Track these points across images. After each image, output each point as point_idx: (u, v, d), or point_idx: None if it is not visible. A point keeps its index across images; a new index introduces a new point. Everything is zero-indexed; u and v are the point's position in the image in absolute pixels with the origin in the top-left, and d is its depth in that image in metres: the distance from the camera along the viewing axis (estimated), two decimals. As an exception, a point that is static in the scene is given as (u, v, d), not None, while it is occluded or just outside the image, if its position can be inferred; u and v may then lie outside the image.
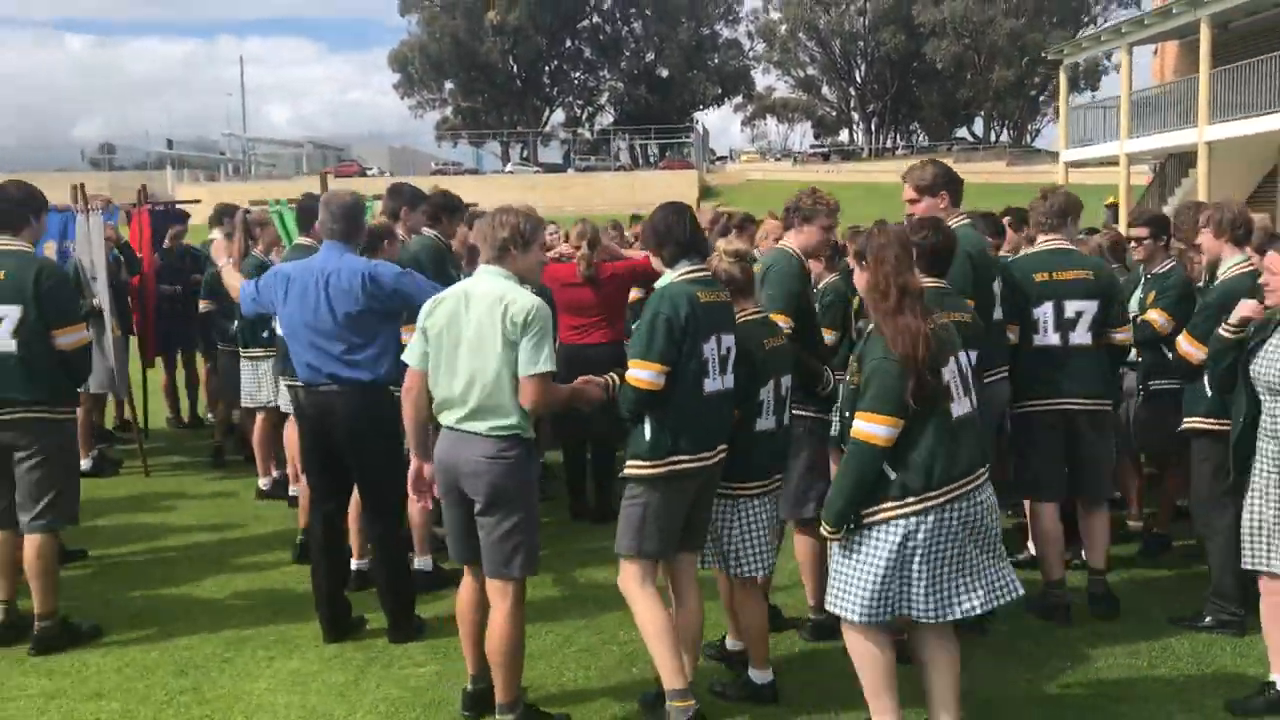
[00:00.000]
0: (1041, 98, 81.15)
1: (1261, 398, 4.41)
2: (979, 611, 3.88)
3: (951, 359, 3.91)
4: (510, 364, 4.16)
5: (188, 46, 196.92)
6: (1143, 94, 26.42)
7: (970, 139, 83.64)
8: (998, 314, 5.42)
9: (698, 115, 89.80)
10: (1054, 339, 5.45)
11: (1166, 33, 25.35)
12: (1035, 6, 75.14)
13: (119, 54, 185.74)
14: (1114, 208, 40.72)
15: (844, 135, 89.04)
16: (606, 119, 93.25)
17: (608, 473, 7.35)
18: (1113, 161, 30.30)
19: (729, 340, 4.36)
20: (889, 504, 3.79)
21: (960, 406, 3.91)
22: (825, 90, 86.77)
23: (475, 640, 4.51)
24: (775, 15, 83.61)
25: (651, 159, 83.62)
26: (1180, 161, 26.97)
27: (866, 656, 3.94)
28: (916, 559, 3.79)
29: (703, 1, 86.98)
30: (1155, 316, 6.19)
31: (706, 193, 68.82)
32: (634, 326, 4.64)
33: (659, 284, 4.39)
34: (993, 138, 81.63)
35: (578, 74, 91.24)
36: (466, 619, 4.52)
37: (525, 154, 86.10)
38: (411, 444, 4.49)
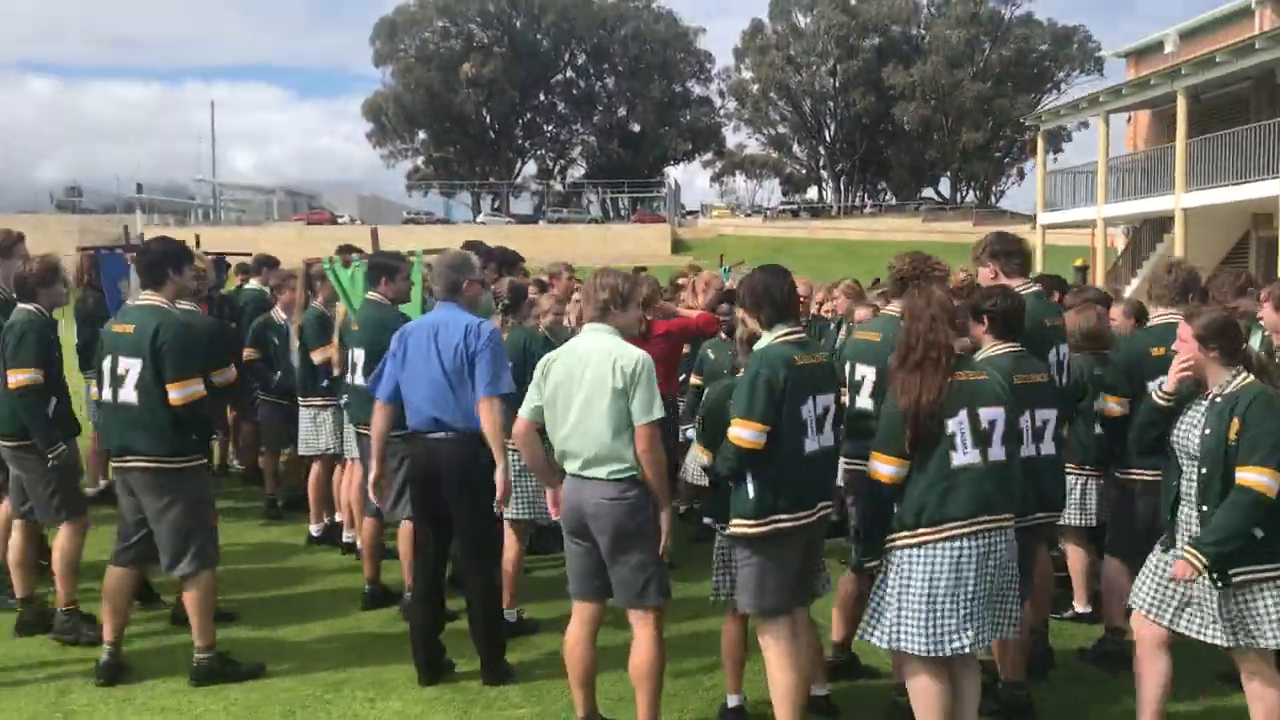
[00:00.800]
0: (1006, 160, 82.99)
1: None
2: (967, 650, 4.25)
3: (964, 412, 4.27)
4: (622, 413, 4.49)
5: (153, 91, 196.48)
6: (1119, 160, 27.22)
7: (937, 199, 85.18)
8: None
9: (669, 170, 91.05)
10: None
11: (1142, 102, 26.20)
12: (1001, 72, 77.11)
13: (82, 97, 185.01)
14: (1084, 269, 41.90)
15: (811, 192, 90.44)
16: (578, 172, 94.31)
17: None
18: (1085, 224, 31.16)
19: (826, 400, 4.54)
20: (894, 535, 4.33)
21: (965, 457, 4.28)
22: (795, 148, 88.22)
23: (585, 679, 4.74)
24: (747, 74, 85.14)
25: (623, 212, 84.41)
26: (1154, 226, 27.74)
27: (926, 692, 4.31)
28: (912, 589, 4.25)
29: (675, 59, 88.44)
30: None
31: (678, 246, 69.48)
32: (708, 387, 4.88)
33: (758, 345, 4.57)
34: (959, 198, 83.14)
35: (550, 127, 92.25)
36: (575, 656, 4.74)
37: (497, 205, 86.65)
38: (539, 477, 4.86)
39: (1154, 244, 27.50)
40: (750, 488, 4.40)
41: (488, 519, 5.46)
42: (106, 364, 5.45)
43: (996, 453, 4.32)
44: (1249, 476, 4.18)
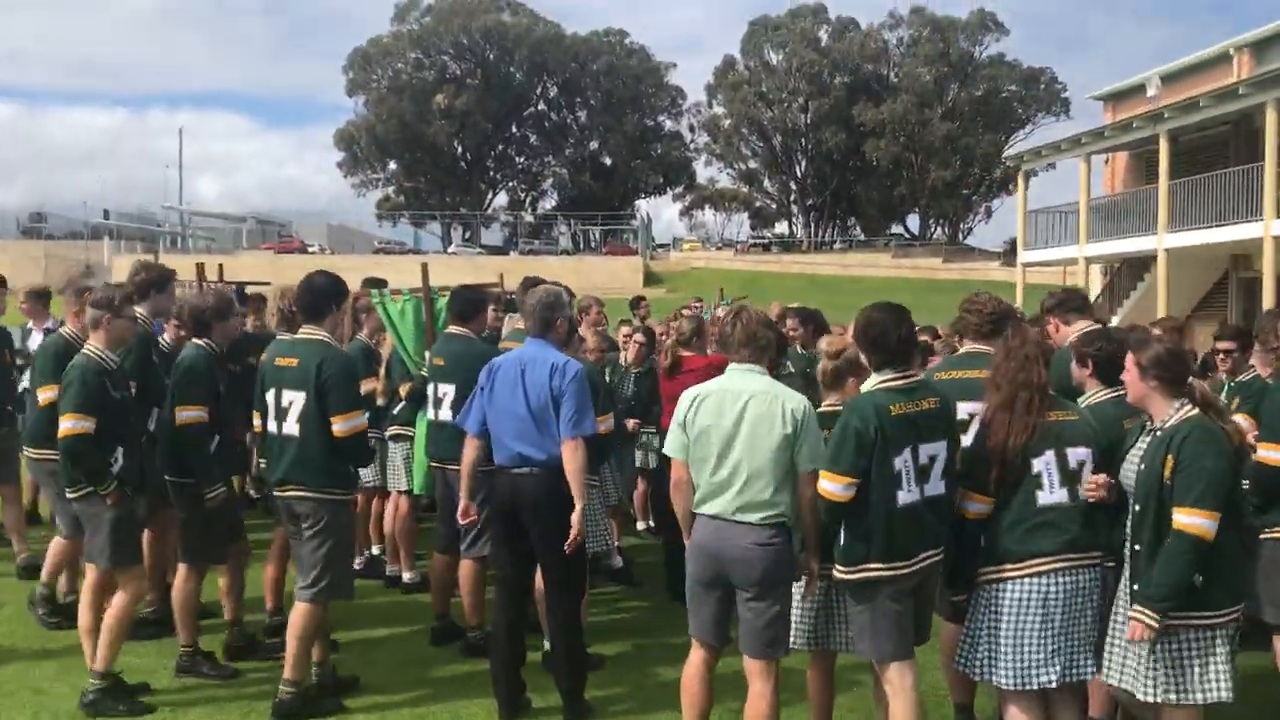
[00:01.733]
0: (974, 198, 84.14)
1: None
2: (1054, 684, 4.32)
3: (1051, 451, 4.37)
4: (786, 457, 4.44)
5: (118, 117, 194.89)
6: (1099, 200, 27.70)
7: (906, 235, 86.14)
8: None
9: (639, 203, 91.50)
10: None
11: (1123, 144, 26.71)
12: (970, 112, 78.30)
13: (45, 123, 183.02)
14: (1054, 307, 42.13)
15: (780, 227, 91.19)
16: (549, 203, 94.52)
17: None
18: (1065, 263, 31.64)
19: (932, 449, 4.40)
20: (983, 569, 4.45)
21: (1053, 495, 4.38)
22: (766, 183, 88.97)
23: (700, 714, 4.71)
24: (720, 110, 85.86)
25: (594, 244, 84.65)
26: (1132, 266, 28.21)
27: None
28: (1001, 623, 4.35)
29: (647, 94, 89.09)
30: (1239, 421, 6.65)
31: (650, 279, 69.77)
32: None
33: (864, 386, 4.56)
34: (928, 235, 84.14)
35: (522, 159, 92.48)
36: (692, 692, 4.72)
37: (467, 235, 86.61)
38: (684, 526, 4.73)
39: (1134, 283, 27.96)
40: (842, 535, 4.40)
41: (579, 557, 5.44)
42: (270, 396, 5.48)
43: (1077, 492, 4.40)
44: (1183, 519, 4.07)
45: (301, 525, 5.45)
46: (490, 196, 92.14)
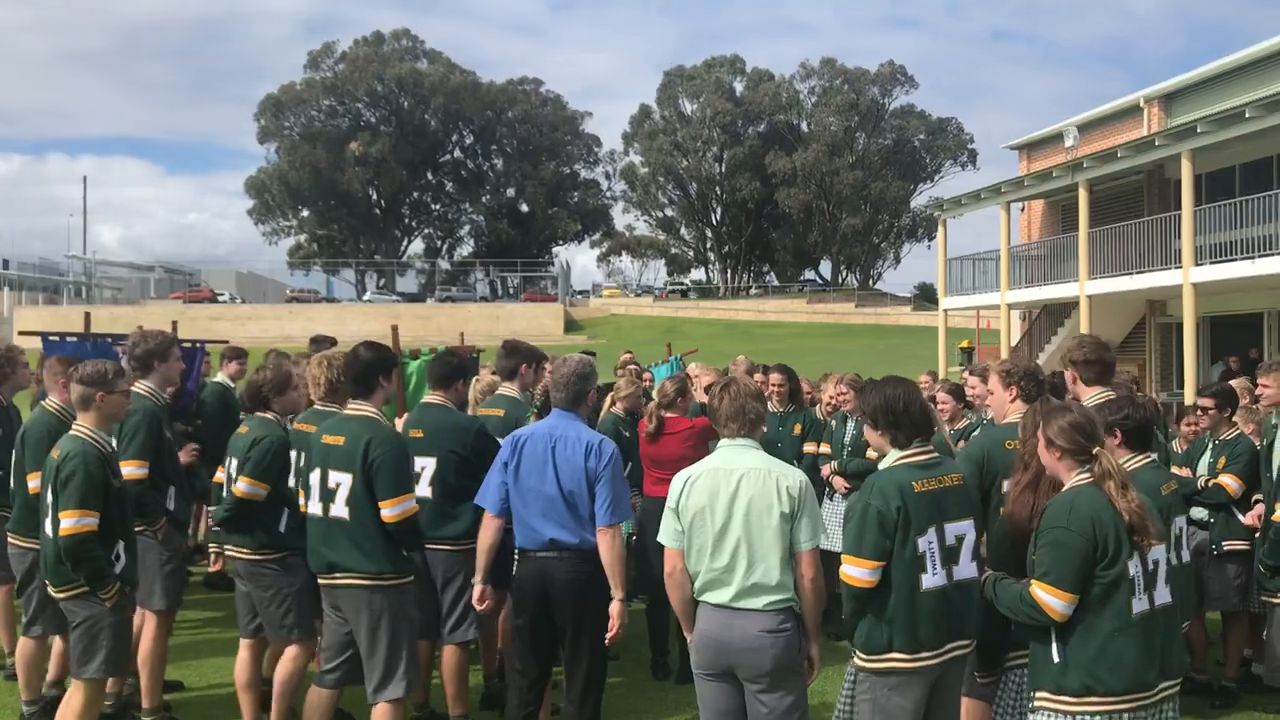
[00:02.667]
0: (883, 244, 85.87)
1: None
2: None
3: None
4: (786, 538, 4.16)
5: (14, 164, 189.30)
6: (1019, 248, 28.27)
7: (819, 281, 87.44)
8: None
9: (557, 250, 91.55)
10: None
11: (1041, 193, 27.33)
12: (879, 160, 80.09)
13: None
14: (969, 350, 43.26)
15: (696, 273, 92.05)
16: (465, 250, 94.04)
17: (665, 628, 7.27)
18: (985, 309, 32.25)
19: (959, 528, 4.11)
20: (1013, 653, 4.33)
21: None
22: (683, 231, 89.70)
23: None
24: (636, 158, 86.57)
25: (512, 290, 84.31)
26: (1050, 312, 28.80)
27: None
28: None
29: (563, 142, 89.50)
30: (1228, 481, 6.67)
31: (571, 326, 69.65)
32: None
33: (883, 464, 4.27)
34: (839, 280, 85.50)
35: (438, 206, 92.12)
36: None
37: (382, 283, 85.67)
38: (683, 620, 4.42)
39: (1054, 328, 28.50)
40: (864, 621, 4.08)
41: (603, 645, 5.02)
42: (315, 477, 5.08)
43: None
44: (1034, 589, 3.87)
45: (357, 618, 5.02)
46: (406, 244, 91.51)
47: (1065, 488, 4.04)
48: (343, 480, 5.00)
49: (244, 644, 5.79)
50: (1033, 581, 3.85)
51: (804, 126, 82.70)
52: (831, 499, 8.27)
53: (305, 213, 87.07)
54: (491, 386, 7.01)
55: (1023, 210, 30.64)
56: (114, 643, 5.06)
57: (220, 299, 74.88)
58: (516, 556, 5.18)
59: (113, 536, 5.05)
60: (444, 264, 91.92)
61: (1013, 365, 5.23)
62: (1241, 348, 22.31)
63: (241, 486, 5.53)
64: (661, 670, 7.20)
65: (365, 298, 79.54)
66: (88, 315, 9.01)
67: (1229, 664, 7.14)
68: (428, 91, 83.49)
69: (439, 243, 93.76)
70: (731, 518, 4.20)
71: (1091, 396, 5.27)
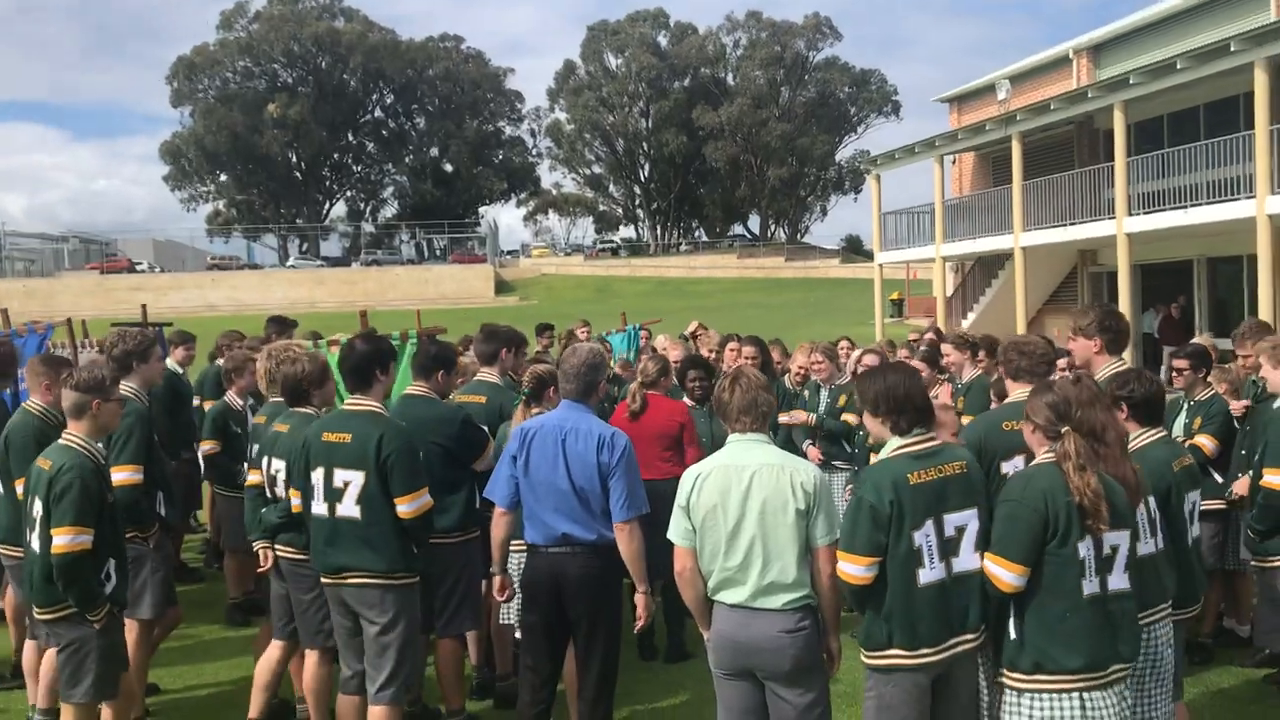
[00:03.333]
0: (810, 198, 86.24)
1: None
2: None
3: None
4: (802, 534, 4.09)
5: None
6: (953, 202, 28.52)
7: (748, 236, 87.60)
8: None
9: (484, 210, 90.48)
10: None
11: (974, 146, 27.56)
12: (805, 113, 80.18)
13: None
14: (899, 302, 43.76)
15: (624, 231, 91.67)
16: (389, 212, 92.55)
17: (679, 612, 7.20)
18: (914, 263, 32.59)
19: (960, 519, 3.95)
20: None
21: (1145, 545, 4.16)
22: (611, 188, 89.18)
23: None
24: (562, 115, 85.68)
25: (439, 252, 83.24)
26: (984, 264, 29.17)
27: None
28: None
29: (486, 99, 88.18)
30: (1204, 442, 6.75)
31: (501, 287, 69.00)
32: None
33: (881, 453, 4.16)
34: (769, 235, 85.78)
35: (360, 168, 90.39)
36: None
37: (305, 248, 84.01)
38: (699, 619, 4.33)
39: (987, 280, 28.88)
40: (865, 617, 3.99)
41: (617, 643, 4.97)
42: (318, 476, 4.91)
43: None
44: (985, 561, 3.94)
45: (368, 617, 4.92)
46: (328, 207, 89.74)
47: (1032, 462, 4.09)
48: (352, 479, 4.86)
49: (276, 644, 5.66)
50: (985, 554, 3.92)
51: (730, 80, 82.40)
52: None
53: (223, 177, 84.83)
54: (466, 370, 6.82)
55: (954, 163, 30.90)
56: (102, 666, 4.83)
57: (139, 269, 72.78)
58: (525, 551, 5.07)
59: (104, 554, 4.81)
60: (368, 227, 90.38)
61: (1092, 316, 5.29)
62: (1169, 295, 22.81)
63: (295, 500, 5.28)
64: (649, 651, 7.13)
65: (289, 263, 77.90)
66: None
67: (1206, 621, 7.26)
68: (346, 50, 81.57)
69: (362, 205, 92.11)
70: (745, 516, 4.11)
71: (1106, 367, 5.23)
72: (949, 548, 3.92)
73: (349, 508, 4.88)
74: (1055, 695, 3.80)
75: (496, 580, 5.12)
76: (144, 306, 7.97)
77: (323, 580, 5.04)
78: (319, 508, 4.97)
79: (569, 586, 4.85)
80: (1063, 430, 3.96)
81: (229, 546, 8.02)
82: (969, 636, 3.95)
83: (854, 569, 3.90)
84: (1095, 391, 4.31)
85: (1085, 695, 3.80)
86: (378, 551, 4.88)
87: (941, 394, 7.39)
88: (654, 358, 7.21)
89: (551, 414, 5.07)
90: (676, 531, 4.25)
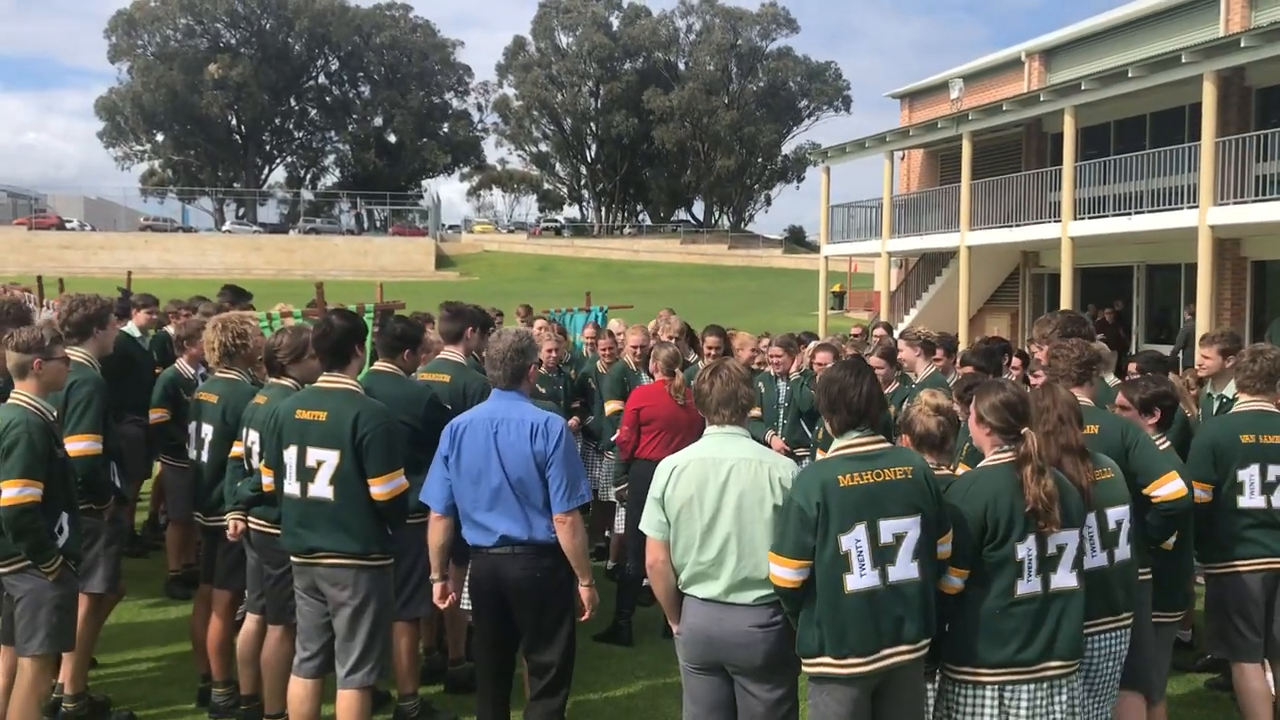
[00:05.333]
0: (755, 186, 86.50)
1: None
2: None
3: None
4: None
5: None
6: (900, 198, 28.72)
7: (692, 221, 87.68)
8: None
9: (427, 183, 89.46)
10: (1259, 501, 5.32)
11: (924, 144, 27.76)
12: (755, 101, 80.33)
13: None
14: (840, 294, 44.06)
15: (569, 210, 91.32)
16: (330, 180, 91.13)
17: (633, 590, 7.15)
18: (858, 256, 32.84)
19: (898, 525, 3.80)
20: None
21: (1095, 559, 4.18)
22: (557, 167, 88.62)
23: None
24: (510, 91, 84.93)
25: (379, 224, 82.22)
26: (928, 261, 29.44)
27: None
28: None
29: (433, 70, 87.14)
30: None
31: (442, 261, 68.40)
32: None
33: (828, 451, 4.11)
34: (713, 221, 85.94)
35: (302, 133, 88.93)
36: None
37: (242, 213, 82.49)
38: (669, 613, 4.27)
39: (930, 277, 29.16)
40: (800, 620, 3.90)
41: (569, 642, 4.75)
42: (290, 455, 4.79)
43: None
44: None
45: (339, 598, 4.79)
46: (267, 172, 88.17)
47: (981, 463, 4.11)
48: (326, 458, 4.74)
49: (251, 618, 5.54)
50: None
51: (681, 65, 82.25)
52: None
53: (160, 137, 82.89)
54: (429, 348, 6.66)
55: (903, 159, 31.10)
56: (57, 617, 4.82)
57: (69, 226, 70.98)
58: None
59: (55, 509, 4.80)
60: (308, 194, 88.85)
61: (1054, 323, 5.30)
62: (1108, 299, 23.20)
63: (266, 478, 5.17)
64: (625, 635, 7.04)
65: (224, 228, 76.48)
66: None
67: (1184, 620, 7.37)
68: (291, 14, 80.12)
69: (302, 172, 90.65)
70: (721, 509, 4.04)
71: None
72: (884, 555, 3.79)
73: (321, 488, 4.76)
74: (974, 686, 3.91)
75: (436, 587, 4.86)
76: (129, 274, 7.67)
77: (293, 560, 4.90)
78: (291, 487, 4.84)
79: (511, 590, 4.64)
80: (1023, 431, 3.97)
81: (173, 517, 7.80)
82: (904, 648, 3.82)
83: (782, 571, 3.83)
84: (1065, 396, 4.34)
85: (1006, 689, 3.88)
86: (351, 532, 4.76)
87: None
88: (664, 350, 7.15)
89: (481, 407, 4.84)
90: (650, 523, 4.17)
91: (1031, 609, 3.88)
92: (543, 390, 7.92)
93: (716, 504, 4.04)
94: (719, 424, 4.20)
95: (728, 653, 4.06)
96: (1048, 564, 3.89)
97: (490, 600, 4.71)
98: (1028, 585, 3.87)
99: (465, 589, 5.39)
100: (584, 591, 4.67)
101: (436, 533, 4.78)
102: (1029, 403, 4.12)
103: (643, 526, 4.22)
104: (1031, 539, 3.86)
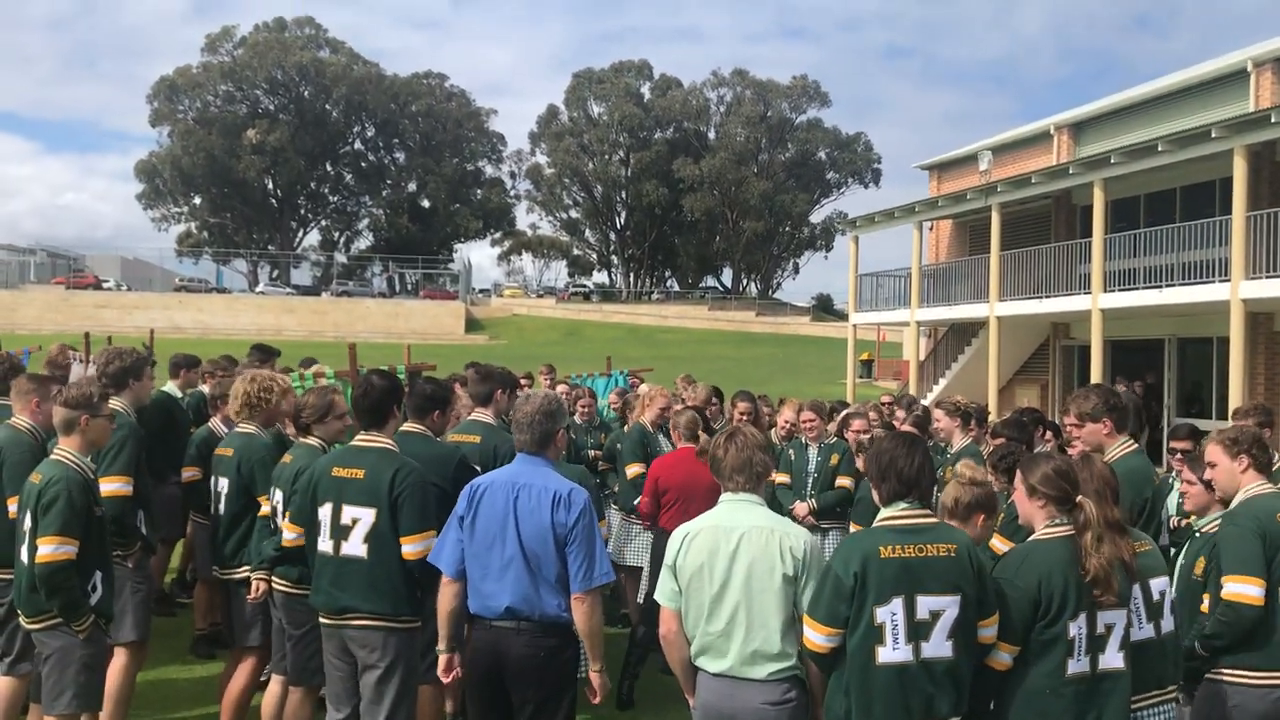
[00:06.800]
0: (784, 255, 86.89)
1: None
2: None
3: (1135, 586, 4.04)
4: (789, 601, 3.92)
5: None
6: (929, 268, 28.79)
7: (720, 289, 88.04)
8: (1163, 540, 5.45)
9: (459, 247, 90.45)
10: None
11: (952, 214, 27.88)
12: (785, 171, 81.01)
13: None
14: (868, 362, 44.02)
15: (598, 276, 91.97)
16: (363, 244, 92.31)
17: (639, 663, 7.09)
18: (887, 325, 32.86)
19: (936, 603, 3.73)
20: None
21: (1143, 631, 4.08)
22: (587, 233, 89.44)
23: None
24: (542, 159, 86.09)
25: (410, 287, 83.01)
26: (956, 331, 29.40)
27: None
28: None
29: (467, 138, 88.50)
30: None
31: (472, 325, 68.84)
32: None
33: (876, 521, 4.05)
34: (740, 288, 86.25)
35: (336, 198, 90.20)
36: None
37: (275, 275, 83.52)
38: (684, 685, 4.15)
39: (960, 347, 29.08)
40: (830, 684, 3.86)
41: None
42: (325, 512, 4.81)
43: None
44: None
45: (368, 660, 4.78)
46: (301, 235, 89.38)
47: (1031, 537, 4.02)
48: (362, 516, 4.74)
49: (276, 679, 5.54)
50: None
51: (711, 135, 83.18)
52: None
53: (197, 200, 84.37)
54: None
55: (931, 229, 31.21)
56: (86, 676, 4.82)
57: (105, 286, 72.05)
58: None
59: (90, 566, 4.81)
60: (340, 257, 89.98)
61: (1240, 433, 4.79)
62: (1139, 371, 23.05)
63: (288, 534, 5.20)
64: (626, 700, 6.97)
65: (258, 289, 77.38)
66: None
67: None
68: (330, 81, 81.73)
69: (336, 235, 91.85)
70: (731, 579, 3.96)
71: (1116, 446, 5.27)
72: (919, 631, 3.72)
73: (355, 546, 4.77)
74: None
75: (442, 660, 4.58)
76: (152, 331, 7.84)
77: (322, 620, 4.89)
78: (324, 544, 4.85)
79: (511, 668, 4.39)
80: (1078, 499, 3.91)
81: (201, 576, 7.82)
82: None
83: (814, 636, 3.80)
84: (1102, 470, 4.31)
85: None
86: (382, 593, 4.76)
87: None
88: (683, 416, 7.16)
89: (503, 469, 4.68)
90: (663, 592, 4.11)
91: (1080, 689, 3.81)
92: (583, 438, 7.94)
93: (726, 573, 3.96)
94: (733, 490, 4.13)
95: None
96: (1096, 643, 3.84)
97: (485, 675, 4.46)
98: (1077, 665, 3.81)
99: None
100: (594, 677, 4.45)
101: (446, 599, 4.53)
102: (1078, 471, 4.07)
103: (656, 595, 4.16)
104: (1083, 617, 3.80)
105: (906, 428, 7.98)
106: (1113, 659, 3.87)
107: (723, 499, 4.17)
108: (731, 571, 3.95)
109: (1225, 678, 4.50)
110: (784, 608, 3.91)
